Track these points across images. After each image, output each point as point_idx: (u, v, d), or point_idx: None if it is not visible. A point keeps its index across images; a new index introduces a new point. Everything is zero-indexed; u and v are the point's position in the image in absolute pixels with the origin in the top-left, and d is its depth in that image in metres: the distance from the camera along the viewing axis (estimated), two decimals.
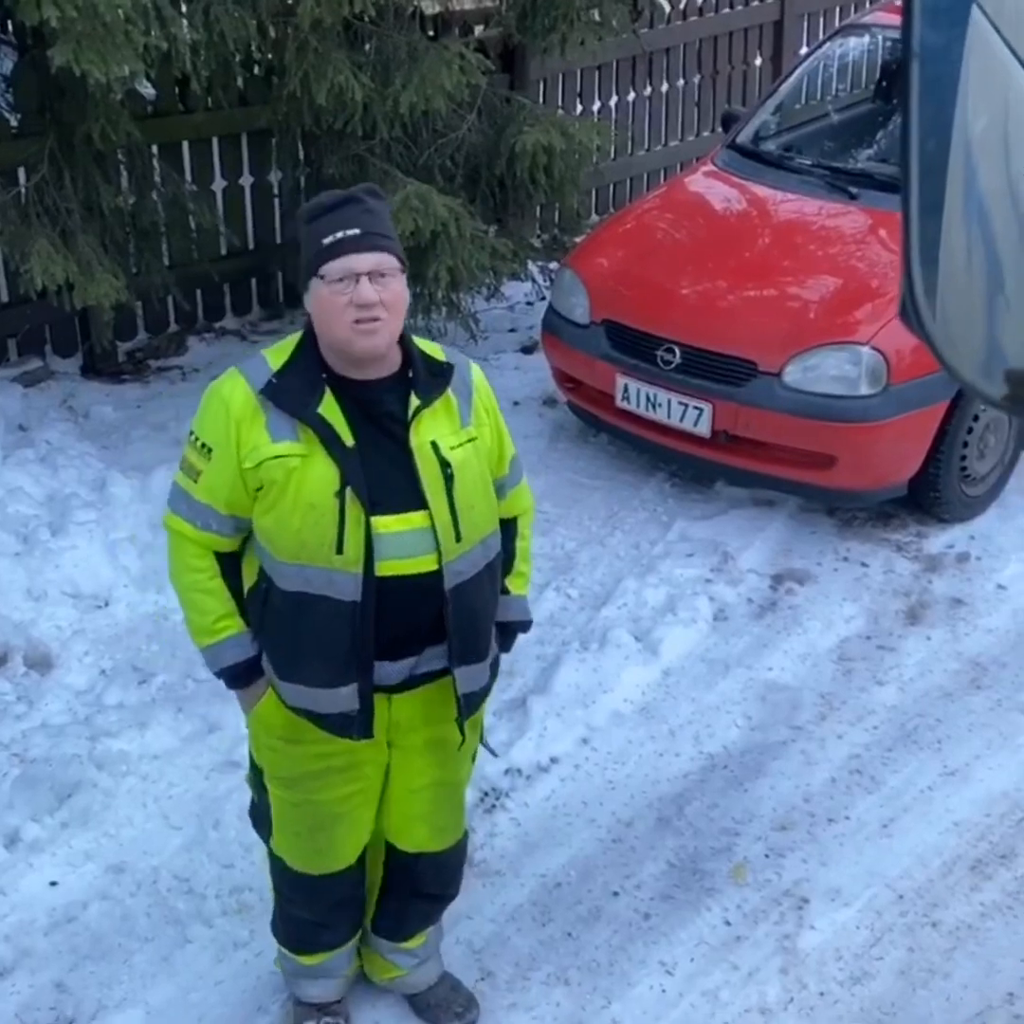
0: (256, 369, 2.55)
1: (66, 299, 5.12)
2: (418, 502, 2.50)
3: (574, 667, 4.30)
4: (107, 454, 5.34)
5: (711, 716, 4.17)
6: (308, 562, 2.47)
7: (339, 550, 2.45)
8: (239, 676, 2.65)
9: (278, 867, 2.88)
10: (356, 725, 2.58)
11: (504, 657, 4.40)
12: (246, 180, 6.44)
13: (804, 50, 8.10)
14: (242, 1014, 2.97)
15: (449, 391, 2.59)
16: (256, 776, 2.81)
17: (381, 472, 2.49)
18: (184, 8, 5.08)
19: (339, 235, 2.44)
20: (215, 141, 6.28)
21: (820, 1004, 3.18)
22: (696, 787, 3.89)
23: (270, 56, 5.68)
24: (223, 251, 6.39)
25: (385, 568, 2.48)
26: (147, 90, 6.03)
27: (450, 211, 5.40)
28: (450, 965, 3.22)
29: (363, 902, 2.99)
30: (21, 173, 5.42)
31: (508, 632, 2.85)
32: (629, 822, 3.76)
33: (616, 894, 3.51)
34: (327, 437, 2.46)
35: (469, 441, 2.59)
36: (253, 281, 6.64)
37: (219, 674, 2.68)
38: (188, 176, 6.13)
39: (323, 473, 2.46)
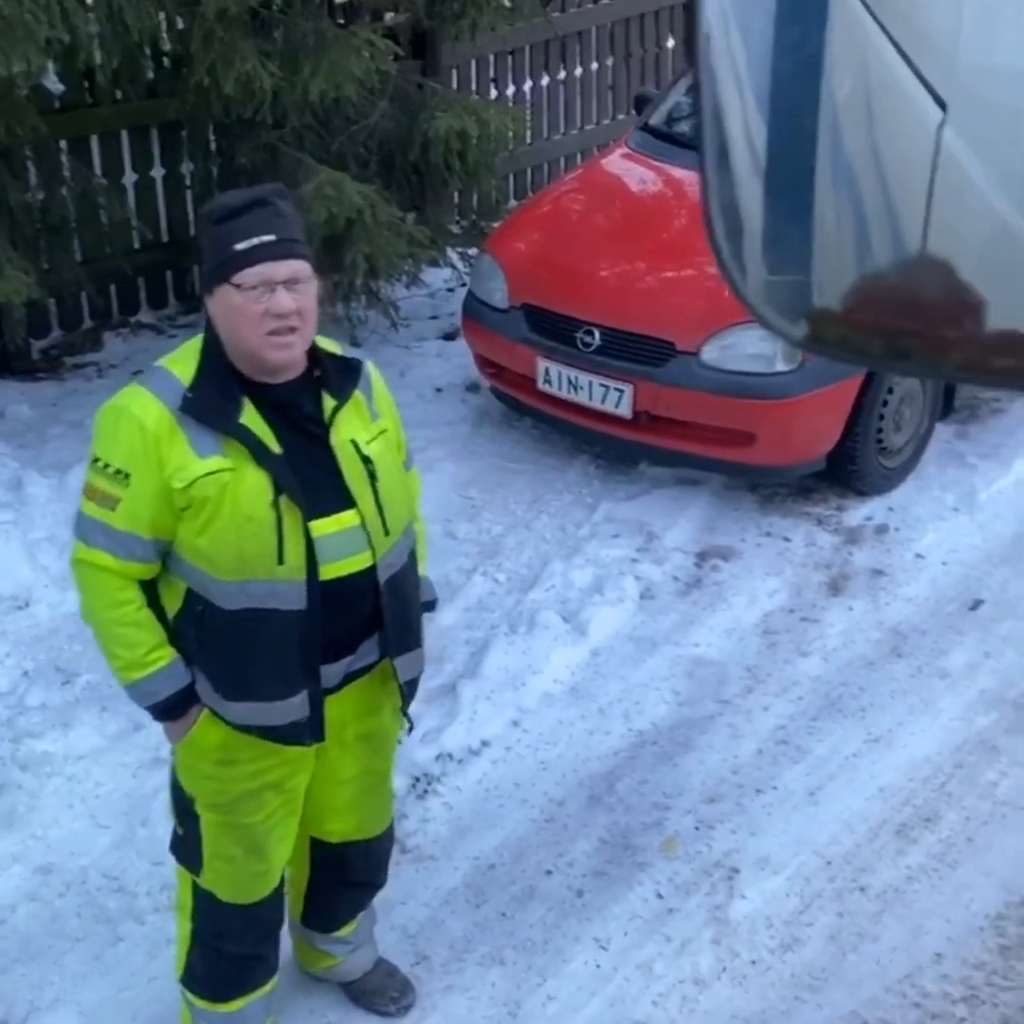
0: (163, 383, 2.45)
1: None
2: (347, 502, 2.49)
3: (503, 650, 4.32)
4: (23, 453, 5.26)
5: (640, 693, 4.21)
6: (250, 577, 2.42)
7: (281, 560, 2.41)
8: (175, 707, 2.55)
9: (206, 904, 2.75)
10: (307, 731, 2.55)
11: (433, 643, 4.42)
12: (157, 172, 6.36)
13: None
14: (176, 1010, 2.94)
15: (359, 389, 2.58)
16: (185, 806, 2.69)
17: (309, 476, 2.46)
18: (88, 0, 5.01)
19: (255, 241, 2.37)
20: (124, 134, 6.19)
21: (752, 972, 3.23)
22: (626, 764, 3.92)
23: (177, 47, 5.62)
24: (136, 245, 6.32)
25: (326, 572, 2.46)
26: (54, 84, 5.94)
27: (365, 198, 5.38)
28: (385, 951, 3.23)
29: (281, 923, 2.92)
30: None
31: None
32: (561, 801, 3.78)
33: (549, 873, 3.53)
34: (254, 447, 2.41)
35: (380, 434, 2.60)
36: (168, 274, 6.57)
37: (153, 707, 2.57)
38: (98, 170, 6.05)
39: (255, 483, 2.41)
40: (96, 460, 2.46)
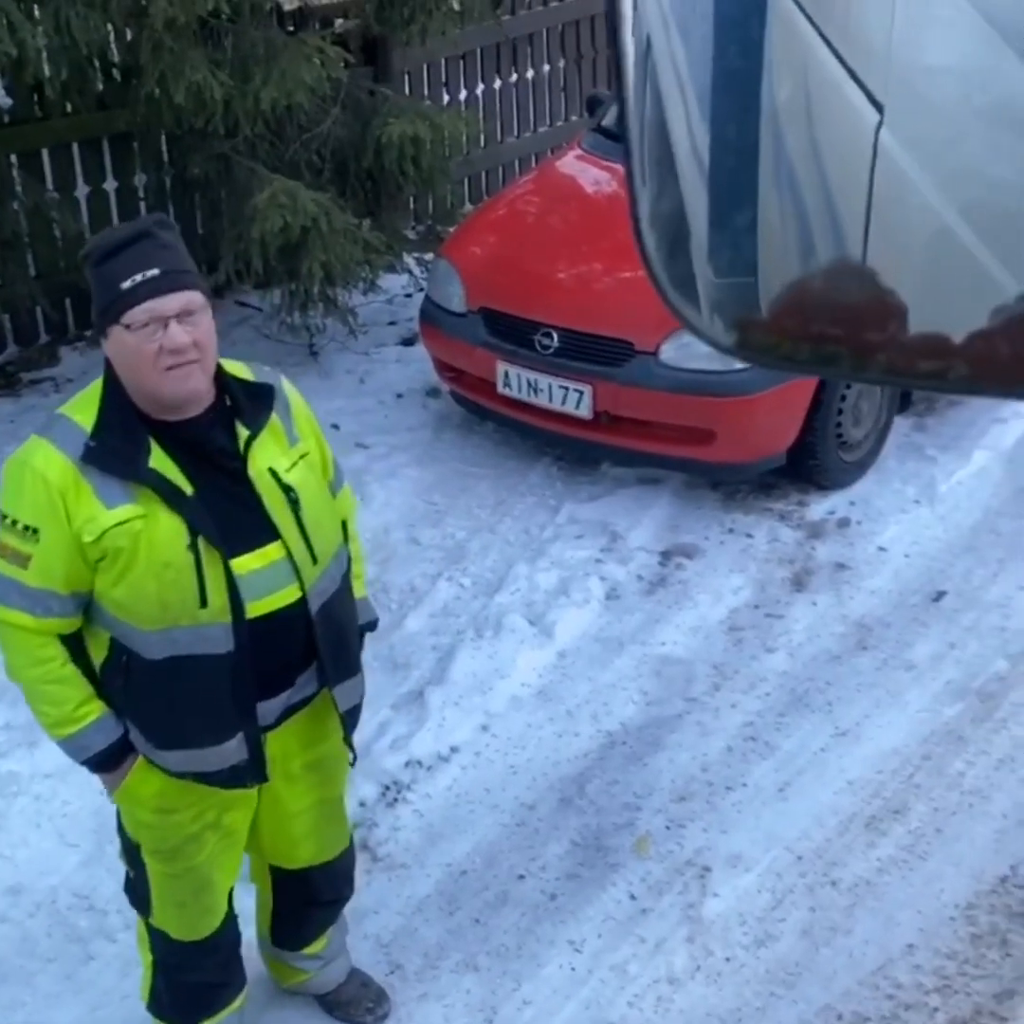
0: (64, 433, 2.35)
1: None
2: (270, 534, 2.42)
3: (470, 655, 4.31)
4: None
5: (608, 694, 4.21)
6: (173, 624, 2.35)
7: (203, 603, 2.34)
8: (107, 760, 2.49)
9: (161, 942, 2.73)
10: (248, 773, 2.52)
11: (399, 650, 4.42)
12: (110, 185, 6.32)
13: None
14: None
15: (274, 413, 2.48)
16: (131, 852, 2.66)
17: (226, 512, 2.38)
18: (35, 13, 4.98)
19: (138, 278, 2.27)
20: (76, 147, 6.15)
21: (727, 969, 3.24)
22: (596, 765, 3.92)
23: (126, 58, 5.59)
24: None
25: (253, 609, 2.40)
26: (2, 99, 5.90)
27: (319, 206, 5.37)
28: (359, 960, 3.22)
29: (240, 942, 2.89)
30: None
31: (359, 635, 2.78)
32: (532, 805, 3.78)
33: (522, 877, 3.53)
34: (164, 491, 2.33)
35: (301, 458, 2.51)
36: None
37: (87, 762, 2.51)
38: (50, 184, 6.01)
39: (170, 528, 2.33)
40: (4, 516, 2.38)
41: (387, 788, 3.83)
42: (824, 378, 4.43)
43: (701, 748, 3.96)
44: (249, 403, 2.46)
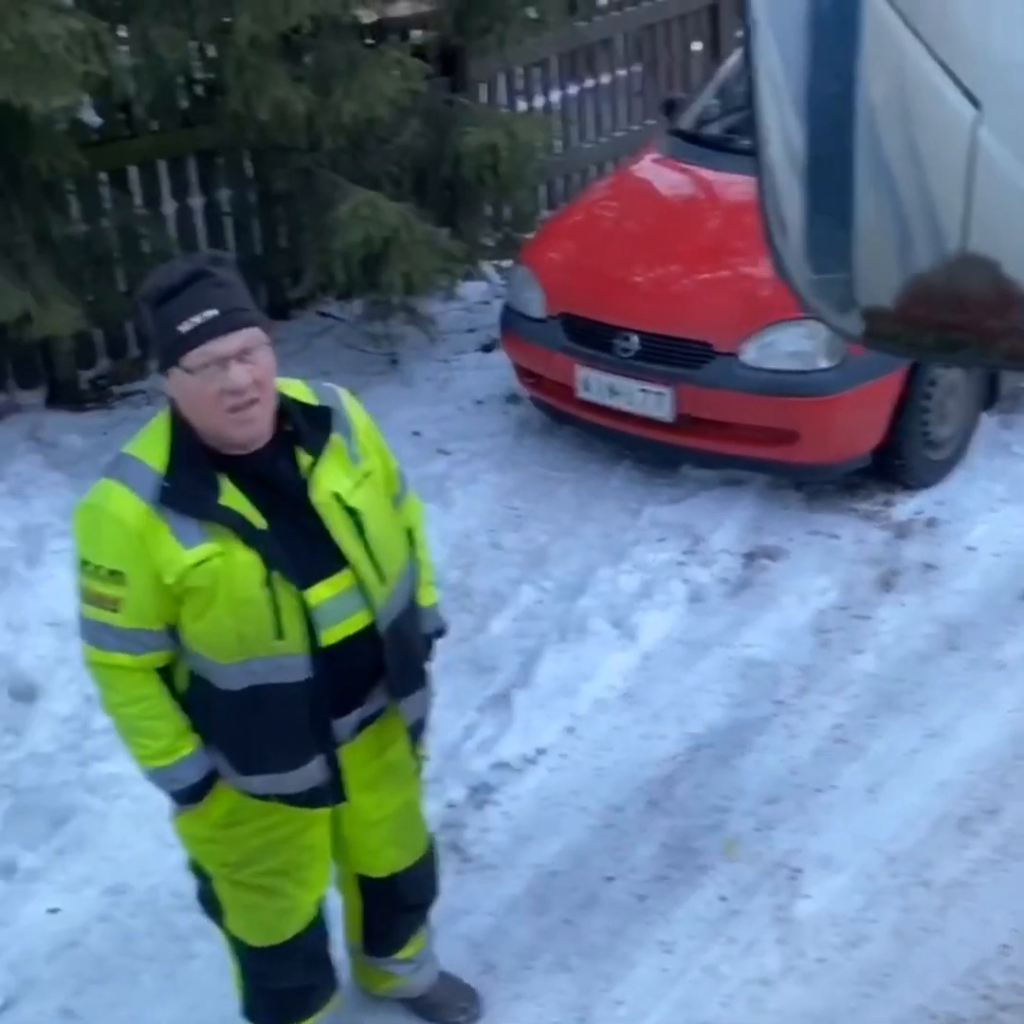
0: (136, 475, 2.35)
1: (25, 331, 5.13)
2: (339, 562, 2.42)
3: (554, 658, 4.33)
4: (77, 482, 5.33)
5: (693, 696, 4.21)
6: (250, 656, 2.37)
7: (279, 635, 2.36)
8: (198, 792, 2.51)
9: (240, 949, 2.76)
10: (328, 794, 2.55)
11: (484, 653, 4.46)
12: (196, 201, 6.45)
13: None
14: None
15: (334, 434, 2.47)
16: (195, 865, 2.71)
17: (296, 543, 2.38)
18: (122, 33, 5.10)
19: (197, 320, 2.25)
20: (163, 164, 6.28)
21: (819, 970, 3.22)
22: (683, 768, 3.92)
23: (210, 75, 5.70)
24: None
25: (327, 637, 2.41)
26: (92, 118, 6.04)
27: (400, 217, 5.44)
28: (451, 960, 3.25)
29: (327, 943, 2.90)
30: None
31: (427, 645, 2.79)
32: (619, 807, 3.79)
33: (611, 879, 3.54)
34: (239, 527, 2.33)
35: (365, 477, 2.50)
36: None
37: (176, 793, 2.53)
38: (138, 200, 6.14)
39: (246, 564, 2.33)
40: (86, 563, 2.39)
41: (475, 790, 3.86)
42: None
43: (789, 750, 3.95)
44: (309, 427, 2.44)
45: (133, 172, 6.18)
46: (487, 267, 6.75)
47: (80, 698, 4.22)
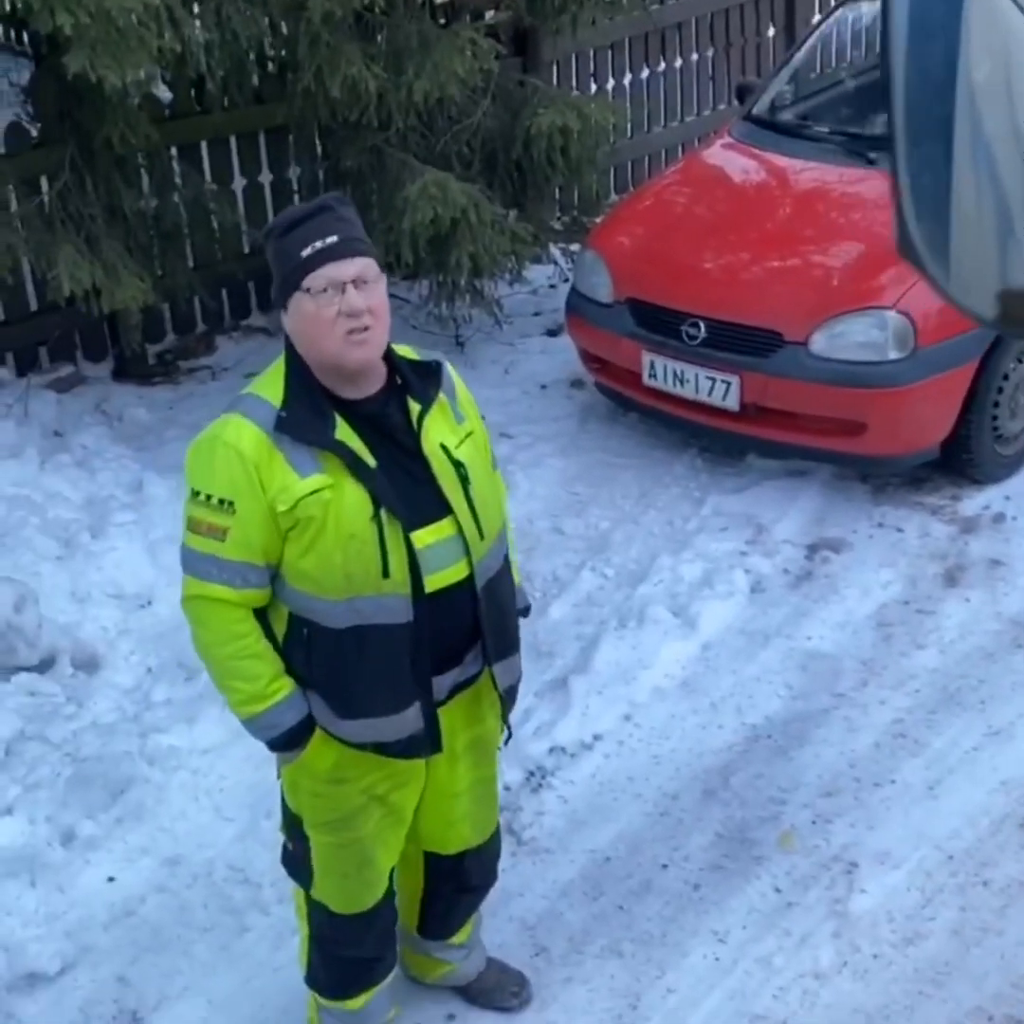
0: (254, 407, 2.44)
1: (94, 304, 5.17)
2: (443, 510, 2.48)
3: (613, 645, 4.32)
4: (142, 456, 5.39)
5: (752, 687, 4.18)
6: (357, 594, 2.41)
7: (386, 574, 2.41)
8: (294, 738, 2.53)
9: (321, 914, 2.78)
10: (424, 744, 2.56)
11: (543, 638, 4.45)
12: (265, 177, 6.47)
13: (816, 18, 8.05)
14: (301, 1000, 3.00)
15: (441, 392, 2.56)
16: (293, 826, 2.71)
17: (404, 487, 2.45)
18: (196, 8, 5.12)
19: (318, 245, 2.38)
20: (233, 140, 6.31)
21: (874, 966, 3.20)
22: (740, 758, 3.90)
23: (283, 52, 5.70)
24: (246, 249, 6.43)
25: (430, 583, 2.45)
26: (164, 93, 6.07)
27: (469, 197, 5.42)
28: (503, 942, 3.26)
29: (396, 920, 2.94)
30: (43, 181, 5.48)
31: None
32: (675, 795, 3.78)
33: (665, 866, 3.53)
34: (351, 462, 2.40)
35: (467, 436, 2.58)
36: None
37: (273, 740, 2.54)
38: (208, 176, 6.17)
39: (355, 499, 2.40)
40: (196, 493, 2.44)
41: (531, 774, 3.86)
42: None
43: (848, 744, 3.91)
44: (419, 380, 2.54)
45: (203, 147, 6.21)
46: (554, 251, 6.71)
47: (142, 670, 4.27)
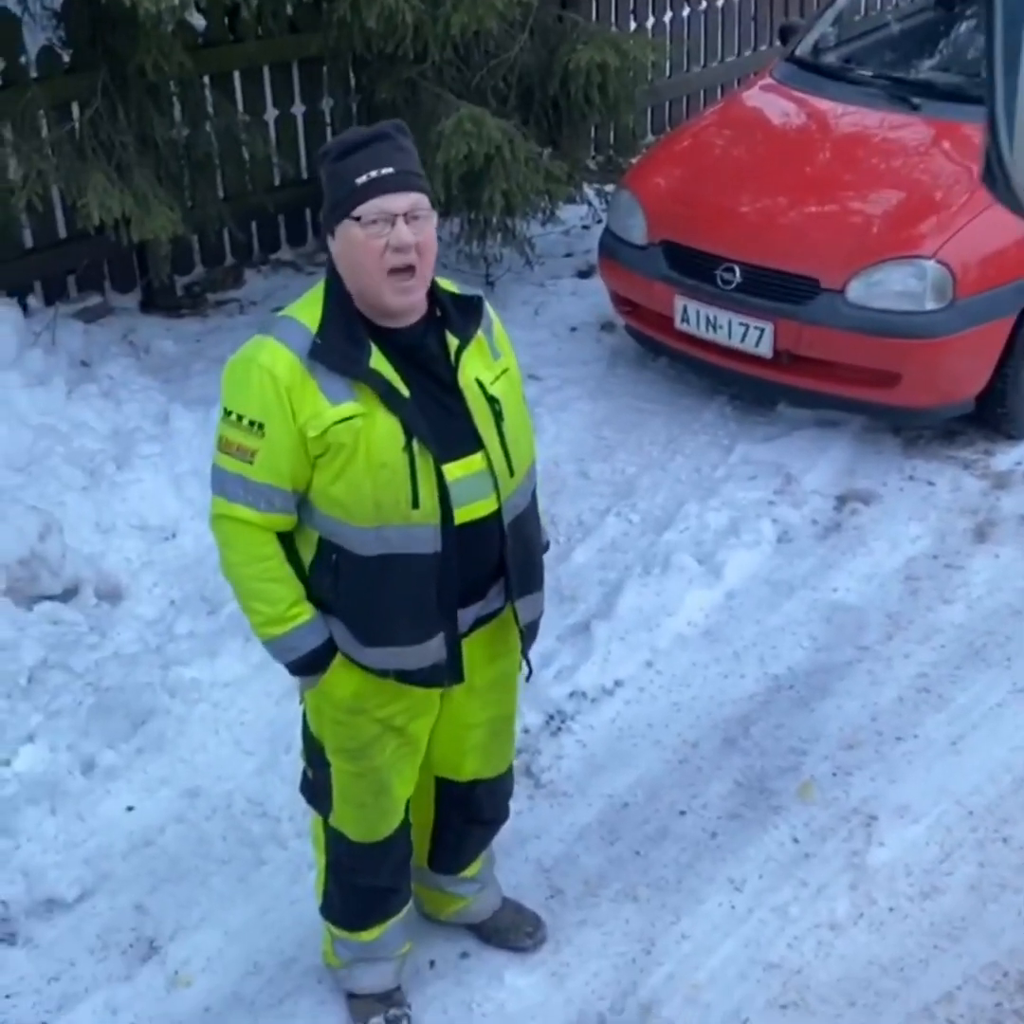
0: (291, 332, 2.43)
1: (123, 233, 5.13)
2: (474, 444, 2.47)
3: (637, 591, 4.30)
4: (169, 388, 5.37)
5: (776, 637, 4.16)
6: (385, 523, 2.41)
7: (415, 505, 2.41)
8: (314, 662, 2.55)
9: (338, 843, 2.80)
10: (446, 673, 2.56)
11: (566, 582, 4.43)
12: (298, 109, 6.40)
13: None
14: (317, 932, 3.02)
15: (479, 328, 2.54)
16: (315, 752, 2.73)
17: (437, 419, 2.44)
18: None
19: (374, 174, 2.34)
20: (266, 70, 6.23)
21: (890, 919, 3.19)
22: (761, 708, 3.89)
23: None
24: (277, 182, 6.37)
25: (460, 516, 2.45)
26: (197, 20, 5.98)
27: (504, 134, 5.34)
28: (519, 883, 3.26)
29: (411, 853, 2.95)
30: (75, 108, 5.42)
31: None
32: (695, 743, 3.77)
33: (683, 813, 3.53)
34: (384, 392, 2.39)
35: (503, 373, 2.57)
36: (307, 212, 6.60)
37: (292, 663, 2.56)
38: (240, 106, 6.10)
39: (387, 429, 2.39)
40: (228, 413, 2.44)
41: (551, 717, 3.85)
42: None
43: (871, 697, 3.89)
44: (459, 315, 2.51)
45: (236, 77, 6.13)
46: (589, 190, 6.62)
47: (165, 602, 4.28)
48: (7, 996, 3.07)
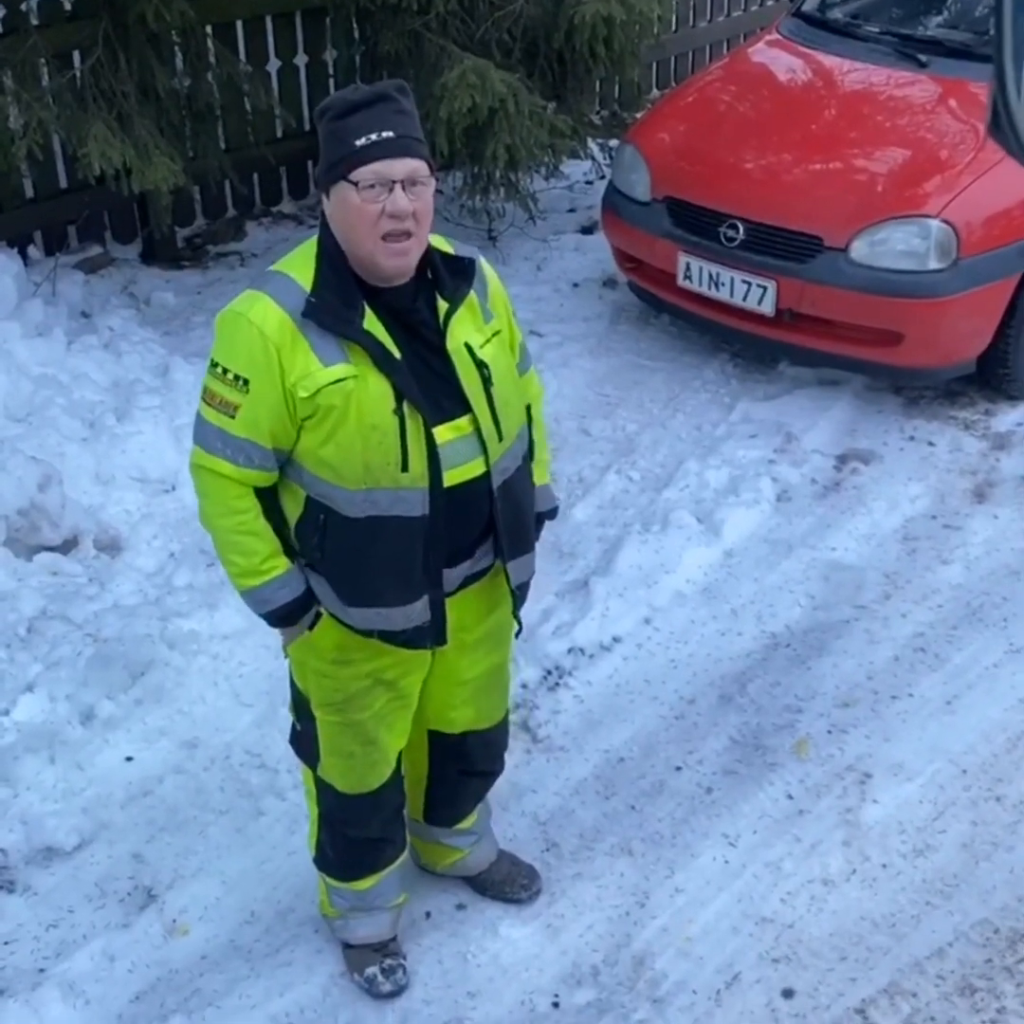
0: (284, 288, 2.38)
1: (124, 184, 5.10)
2: (462, 407, 2.45)
3: (636, 548, 4.30)
4: (169, 340, 5.36)
5: (774, 596, 4.17)
6: (374, 485, 2.39)
7: (405, 467, 2.39)
8: (289, 615, 2.55)
9: (328, 794, 2.80)
10: (429, 635, 2.56)
11: (565, 539, 4.44)
12: (301, 59, 6.35)
13: None
14: (314, 883, 3.05)
15: (471, 290, 2.50)
16: (301, 705, 2.74)
17: (426, 382, 2.42)
18: None
19: (374, 137, 2.29)
20: (269, 20, 6.18)
21: (882, 876, 3.22)
22: (759, 665, 3.90)
23: None
24: (279, 133, 6.33)
25: (448, 478, 2.44)
26: None
27: (508, 87, 5.31)
28: (515, 836, 3.29)
29: (404, 804, 2.97)
30: (76, 56, 5.37)
31: (538, 522, 2.80)
32: (691, 699, 3.79)
33: (679, 769, 3.55)
34: (377, 354, 2.37)
35: (494, 335, 2.54)
36: (309, 164, 6.56)
37: (267, 615, 2.57)
38: (242, 56, 6.05)
39: (379, 391, 2.37)
40: (215, 365, 2.41)
41: (549, 672, 3.87)
42: None
43: (868, 656, 3.91)
44: (450, 277, 2.48)
45: (239, 27, 6.08)
46: (592, 145, 6.58)
47: (164, 554, 4.28)
48: (5, 943, 3.09)
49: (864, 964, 3.01)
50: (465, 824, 3.09)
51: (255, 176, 6.42)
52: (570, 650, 3.94)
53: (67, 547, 4.23)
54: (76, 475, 4.39)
